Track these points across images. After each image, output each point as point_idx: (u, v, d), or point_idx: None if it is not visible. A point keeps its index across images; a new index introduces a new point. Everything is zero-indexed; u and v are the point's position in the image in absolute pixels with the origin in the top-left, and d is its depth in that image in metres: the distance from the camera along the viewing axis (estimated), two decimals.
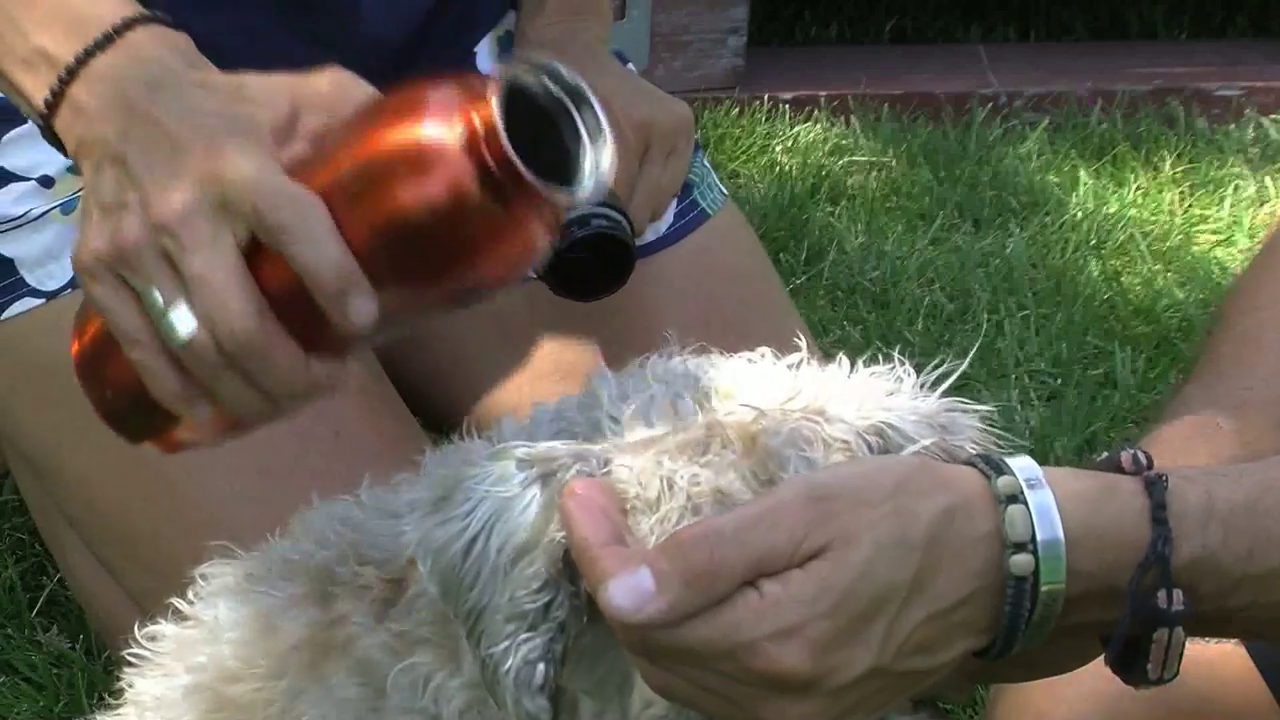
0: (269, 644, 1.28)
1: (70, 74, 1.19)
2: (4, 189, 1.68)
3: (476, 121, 1.03)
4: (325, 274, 1.07)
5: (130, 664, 1.39)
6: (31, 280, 1.68)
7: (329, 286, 1.07)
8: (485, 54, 1.91)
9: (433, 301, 1.12)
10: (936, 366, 1.16)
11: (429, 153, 1.04)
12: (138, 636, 1.38)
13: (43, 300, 1.68)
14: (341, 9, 1.75)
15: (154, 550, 1.64)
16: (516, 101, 1.05)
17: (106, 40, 1.19)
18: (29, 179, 1.67)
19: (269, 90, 1.14)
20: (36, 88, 1.21)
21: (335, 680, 1.24)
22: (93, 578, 1.92)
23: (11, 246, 1.68)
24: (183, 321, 1.11)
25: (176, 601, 1.37)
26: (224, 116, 1.12)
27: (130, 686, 1.39)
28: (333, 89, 1.15)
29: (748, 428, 1.07)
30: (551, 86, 1.07)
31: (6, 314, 1.69)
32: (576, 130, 1.07)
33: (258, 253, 1.10)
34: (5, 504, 2.33)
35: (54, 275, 1.68)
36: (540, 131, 1.06)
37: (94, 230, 1.14)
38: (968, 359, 1.21)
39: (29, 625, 2.15)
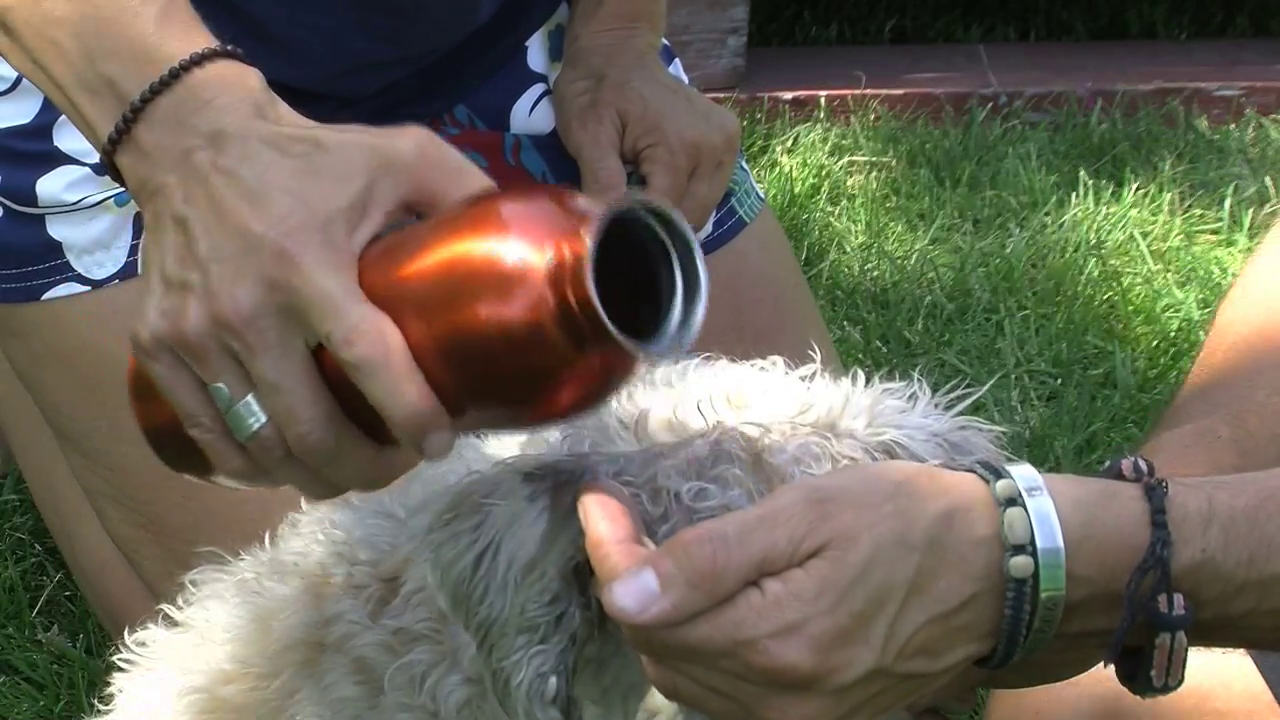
0: (263, 644, 1.29)
1: (135, 113, 1.13)
2: (57, 170, 1.68)
3: (567, 253, 0.98)
4: (401, 416, 1.03)
5: (121, 669, 1.40)
6: (79, 266, 1.69)
7: (405, 427, 1.03)
8: (537, 48, 1.91)
9: (504, 423, 1.07)
10: (953, 386, 1.16)
11: (510, 276, 0.99)
12: (128, 641, 1.39)
13: (89, 288, 1.69)
14: (405, 6, 1.75)
15: (185, 544, 1.64)
16: (620, 233, 0.99)
17: (172, 78, 1.12)
18: (83, 164, 1.67)
19: (346, 157, 1.08)
20: (102, 119, 1.15)
21: (331, 679, 1.25)
22: (102, 571, 1.92)
23: (61, 230, 1.69)
24: (251, 415, 1.07)
25: (166, 607, 1.37)
26: (295, 198, 1.06)
27: (121, 691, 1.40)
28: (416, 155, 1.08)
29: (754, 444, 1.08)
30: (659, 230, 1.02)
31: (47, 295, 1.69)
32: (673, 276, 1.02)
33: (325, 350, 1.05)
34: (5, 504, 2.34)
35: (102, 264, 1.68)
36: (639, 266, 1.00)
37: (156, 307, 1.09)
38: (984, 388, 1.21)
39: (29, 625, 2.15)
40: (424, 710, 1.20)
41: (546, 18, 1.92)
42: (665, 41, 1.97)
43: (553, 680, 1.07)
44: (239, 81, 1.13)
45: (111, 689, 1.42)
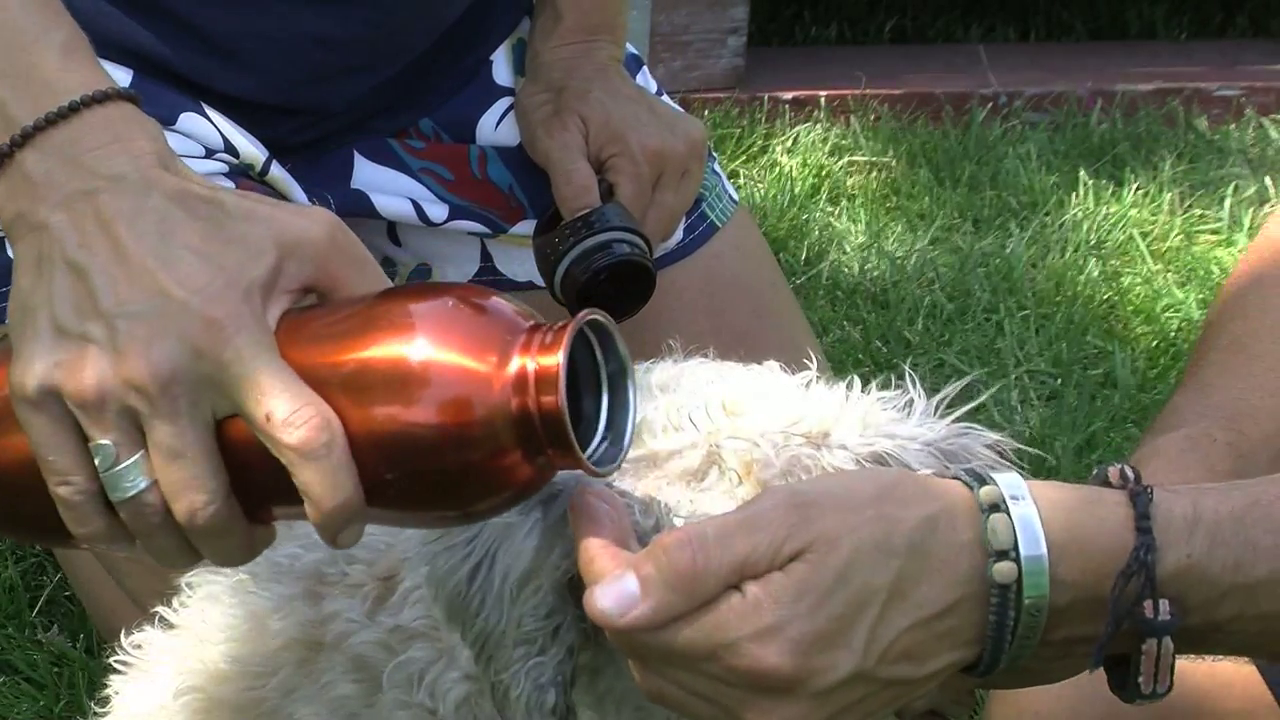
0: (259, 644, 1.29)
1: (24, 138, 1.07)
2: None
3: (532, 367, 0.97)
4: (331, 507, 1.00)
5: (118, 671, 1.40)
6: None
7: (331, 517, 1.00)
8: (501, 63, 1.91)
9: (414, 522, 1.06)
10: (958, 389, 1.16)
11: (468, 380, 0.97)
12: (124, 644, 1.39)
13: None
14: (367, 18, 1.75)
15: None
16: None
17: (71, 110, 1.07)
18: None
19: (254, 228, 1.04)
20: None
21: (328, 677, 1.25)
22: (94, 576, 1.92)
23: None
24: (133, 478, 1.03)
25: (162, 609, 1.37)
26: (209, 264, 1.02)
27: (118, 694, 1.40)
28: (327, 241, 1.05)
29: (745, 457, 1.08)
30: (598, 352, 1.02)
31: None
32: (599, 395, 1.02)
33: (227, 422, 1.02)
34: None
35: None
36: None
37: (45, 354, 1.03)
38: (989, 392, 1.21)
39: (29, 625, 2.15)
40: (422, 708, 1.20)
41: (510, 31, 1.92)
42: (633, 50, 1.97)
43: (551, 692, 1.07)
44: (139, 127, 1.09)
45: (108, 691, 1.42)
